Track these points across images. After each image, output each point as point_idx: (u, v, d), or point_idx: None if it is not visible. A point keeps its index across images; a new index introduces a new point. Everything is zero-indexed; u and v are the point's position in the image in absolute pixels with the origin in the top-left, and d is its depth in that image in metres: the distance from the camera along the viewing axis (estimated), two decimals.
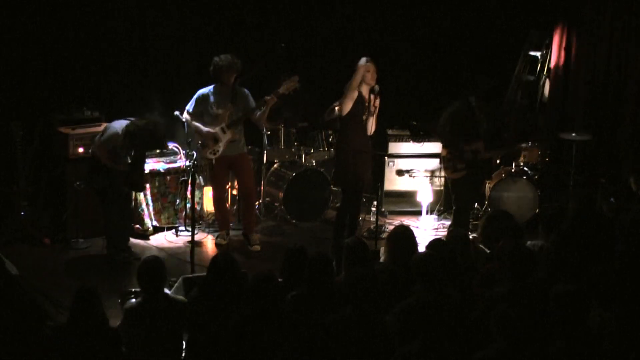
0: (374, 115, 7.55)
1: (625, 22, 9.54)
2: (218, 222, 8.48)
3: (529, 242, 6.33)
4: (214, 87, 8.02)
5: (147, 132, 7.39)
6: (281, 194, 8.90)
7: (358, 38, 10.29)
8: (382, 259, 6.52)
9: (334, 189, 9.12)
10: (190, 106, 8.01)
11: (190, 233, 7.28)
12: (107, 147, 7.44)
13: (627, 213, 6.11)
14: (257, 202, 9.01)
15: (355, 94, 7.43)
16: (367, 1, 10.44)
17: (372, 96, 7.49)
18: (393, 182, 9.49)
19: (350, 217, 7.83)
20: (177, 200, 8.59)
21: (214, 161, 8.06)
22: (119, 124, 7.50)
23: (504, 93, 10.26)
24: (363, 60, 7.47)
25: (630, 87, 9.59)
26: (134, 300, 5.95)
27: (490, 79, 7.90)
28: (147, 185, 8.34)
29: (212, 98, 7.99)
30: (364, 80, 7.44)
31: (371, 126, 7.59)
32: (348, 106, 7.43)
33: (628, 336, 4.68)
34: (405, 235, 5.88)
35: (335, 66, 9.48)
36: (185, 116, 7.95)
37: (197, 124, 8.00)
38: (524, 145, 8.99)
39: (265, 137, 8.93)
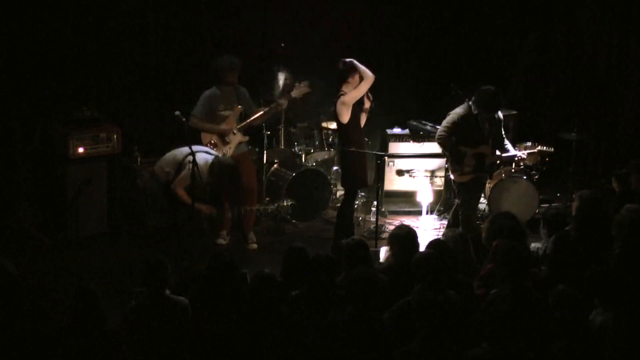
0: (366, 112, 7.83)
1: (625, 20, 9.55)
2: (218, 222, 8.47)
3: (532, 244, 6.33)
4: (217, 88, 8.04)
5: (229, 167, 7.51)
6: (281, 194, 8.90)
7: (358, 37, 10.30)
8: (382, 259, 6.53)
9: (334, 188, 9.13)
10: (196, 110, 8.01)
11: None
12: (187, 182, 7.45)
13: (628, 213, 6.09)
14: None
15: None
16: (367, 0, 10.45)
17: (364, 97, 7.69)
18: (393, 182, 9.48)
19: (350, 218, 7.95)
20: None
21: None
22: (203, 157, 7.53)
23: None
24: (368, 71, 7.53)
25: (630, 86, 9.61)
26: (134, 300, 5.96)
27: (489, 89, 7.85)
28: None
29: (218, 99, 8.03)
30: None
31: (362, 119, 7.84)
32: (348, 115, 7.58)
33: (628, 337, 4.68)
34: (407, 235, 5.87)
35: (334, 66, 9.46)
36: (193, 120, 7.94)
37: (208, 124, 8.02)
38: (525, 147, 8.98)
39: (265, 137, 8.93)
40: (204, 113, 8.01)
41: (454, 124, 7.88)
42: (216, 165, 7.55)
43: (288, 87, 8.98)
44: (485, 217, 8.70)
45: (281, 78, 9.34)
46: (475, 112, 7.82)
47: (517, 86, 10.51)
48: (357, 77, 7.60)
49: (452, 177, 8.20)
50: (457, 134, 7.89)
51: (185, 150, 7.55)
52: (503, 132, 8.18)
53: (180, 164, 7.66)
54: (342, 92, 7.62)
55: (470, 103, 7.89)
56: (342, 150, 7.92)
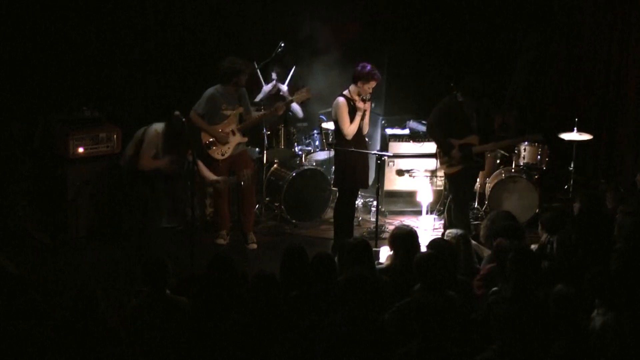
0: (367, 117, 7.78)
1: (626, 20, 9.55)
2: (218, 222, 8.48)
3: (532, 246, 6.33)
4: (221, 88, 8.08)
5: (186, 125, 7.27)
6: (281, 194, 8.90)
7: (358, 38, 10.29)
8: (382, 259, 6.53)
9: (334, 189, 9.13)
10: (198, 106, 8.06)
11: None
12: (150, 154, 7.29)
13: (631, 215, 6.08)
14: (257, 202, 9.04)
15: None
16: (367, 1, 10.45)
17: (364, 101, 7.67)
18: (393, 182, 9.48)
19: (347, 218, 7.95)
20: None
21: (220, 162, 8.11)
22: (153, 126, 7.35)
23: (500, 93, 10.28)
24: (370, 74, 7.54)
25: (630, 86, 9.60)
26: (135, 300, 5.97)
27: (475, 78, 7.90)
28: None
29: (221, 98, 8.07)
30: (365, 91, 7.65)
31: (365, 127, 7.82)
32: (348, 122, 7.65)
33: (629, 337, 4.67)
34: (408, 235, 5.87)
35: (334, 65, 9.47)
36: (192, 115, 7.99)
37: (206, 123, 8.04)
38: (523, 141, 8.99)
39: (265, 137, 8.94)
40: (205, 110, 8.04)
41: (440, 115, 7.91)
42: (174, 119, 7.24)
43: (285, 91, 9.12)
44: (479, 216, 8.73)
45: (275, 77, 9.38)
46: (461, 99, 7.82)
47: (518, 86, 10.50)
48: (366, 86, 7.61)
49: (441, 168, 8.23)
50: (444, 125, 7.90)
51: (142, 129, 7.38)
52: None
53: (140, 140, 7.36)
54: (346, 93, 7.67)
55: (455, 93, 7.91)
56: (334, 149, 7.97)
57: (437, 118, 7.93)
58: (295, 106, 9.26)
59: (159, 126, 7.31)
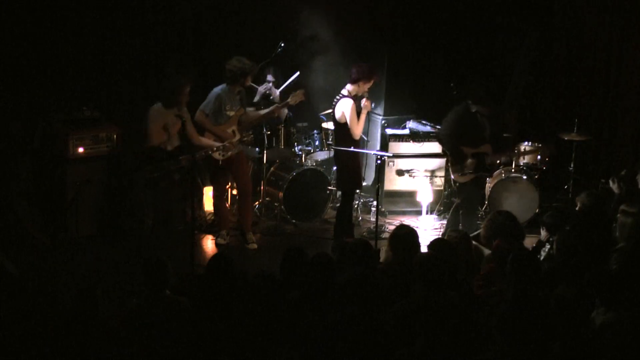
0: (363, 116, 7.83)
1: (626, 20, 9.54)
2: (218, 222, 8.49)
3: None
4: (227, 88, 8.09)
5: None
6: (281, 194, 8.90)
7: (357, 37, 10.29)
8: (382, 259, 6.53)
9: (334, 189, 9.14)
10: (206, 106, 8.07)
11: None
12: (159, 126, 7.60)
13: (631, 215, 6.07)
14: (257, 202, 9.04)
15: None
16: (367, 0, 10.45)
17: (363, 100, 7.72)
18: (393, 182, 9.48)
19: (349, 218, 7.97)
20: None
21: (220, 162, 8.12)
22: (150, 109, 7.72)
23: (500, 93, 10.28)
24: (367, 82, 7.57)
25: (630, 86, 9.60)
26: (135, 300, 5.97)
27: (482, 82, 7.91)
28: None
29: (227, 98, 8.10)
30: (363, 90, 7.72)
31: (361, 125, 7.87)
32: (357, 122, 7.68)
33: (629, 337, 4.67)
34: (408, 235, 5.87)
35: (333, 66, 9.47)
36: (199, 115, 8.01)
37: (211, 124, 8.07)
38: (525, 145, 8.99)
39: (265, 137, 8.94)
40: (212, 110, 8.05)
41: (454, 125, 7.90)
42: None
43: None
44: (480, 216, 8.73)
45: (271, 77, 9.40)
46: (474, 109, 7.83)
47: (518, 85, 10.50)
48: (366, 85, 7.65)
49: (453, 177, 8.22)
50: (458, 134, 7.90)
51: None
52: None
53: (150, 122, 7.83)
54: (347, 93, 7.67)
55: (468, 102, 7.92)
56: (335, 150, 7.97)
57: (451, 128, 7.92)
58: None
59: (155, 105, 7.66)
